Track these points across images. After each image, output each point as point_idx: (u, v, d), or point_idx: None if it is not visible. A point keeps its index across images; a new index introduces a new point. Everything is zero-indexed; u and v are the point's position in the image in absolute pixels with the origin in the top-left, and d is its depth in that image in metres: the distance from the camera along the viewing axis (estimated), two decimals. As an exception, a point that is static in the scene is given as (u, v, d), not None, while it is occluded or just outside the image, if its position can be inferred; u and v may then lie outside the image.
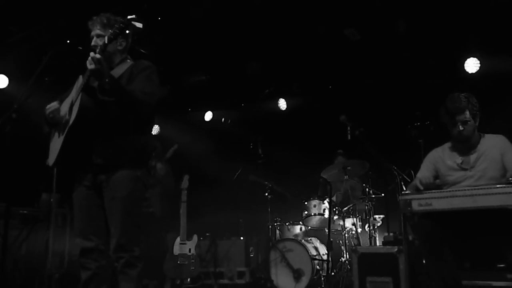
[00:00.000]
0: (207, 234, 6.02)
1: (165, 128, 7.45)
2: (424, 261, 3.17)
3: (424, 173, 3.36)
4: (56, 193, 5.68)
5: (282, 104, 7.39)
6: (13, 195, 4.03)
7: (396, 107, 6.16)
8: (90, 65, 2.62)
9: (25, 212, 5.11)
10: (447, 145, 3.48)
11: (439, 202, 2.89)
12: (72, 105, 2.81)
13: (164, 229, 5.69)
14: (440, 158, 3.42)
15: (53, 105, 2.89)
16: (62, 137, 2.78)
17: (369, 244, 4.88)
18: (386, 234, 4.75)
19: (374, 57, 6.26)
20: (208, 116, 7.80)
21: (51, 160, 2.86)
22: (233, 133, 7.50)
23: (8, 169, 3.26)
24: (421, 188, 3.05)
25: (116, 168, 2.78)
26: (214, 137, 7.54)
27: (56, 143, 2.85)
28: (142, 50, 5.38)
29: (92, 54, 2.61)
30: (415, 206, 2.96)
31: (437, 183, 3.29)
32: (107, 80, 2.63)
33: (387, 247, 3.99)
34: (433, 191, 3.03)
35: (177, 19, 5.46)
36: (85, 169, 2.83)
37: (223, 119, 7.78)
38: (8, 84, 6.16)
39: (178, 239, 5.44)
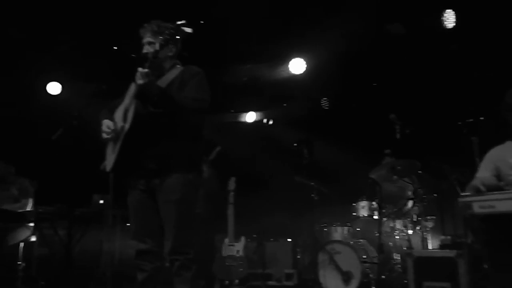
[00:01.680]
0: (255, 235, 6.06)
1: (207, 130, 7.55)
2: (485, 266, 3.07)
3: (484, 173, 3.24)
4: (107, 194, 5.90)
5: (325, 102, 7.34)
6: (69, 197, 4.24)
7: (447, 103, 6.00)
8: (139, 80, 2.73)
9: (78, 213, 5.32)
10: (510, 143, 3.34)
11: (503, 204, 2.76)
12: (126, 112, 2.91)
13: (211, 230, 5.78)
14: (502, 156, 3.28)
15: (109, 124, 2.99)
16: (118, 144, 2.89)
17: (421, 247, 4.78)
18: (439, 236, 4.64)
19: (420, 51, 6.12)
20: (251, 117, 7.85)
21: (108, 165, 2.98)
22: (277, 133, 7.51)
23: (66, 172, 3.44)
24: (483, 189, 2.93)
25: (168, 172, 2.87)
26: (258, 138, 7.57)
27: (113, 150, 2.96)
28: (184, 53, 5.51)
29: (140, 69, 2.72)
30: (476, 208, 2.84)
31: (502, 185, 3.17)
32: (155, 98, 2.74)
33: (445, 250, 3.88)
34: (496, 192, 2.90)
35: (215, 22, 5.55)
36: (139, 173, 2.93)
37: (265, 120, 7.80)
38: (61, 91, 6.45)
39: (226, 241, 5.52)
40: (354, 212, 5.36)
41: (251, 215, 6.14)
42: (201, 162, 3.13)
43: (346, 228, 5.41)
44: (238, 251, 5.46)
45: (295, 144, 5.85)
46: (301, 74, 6.76)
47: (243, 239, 5.55)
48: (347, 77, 6.80)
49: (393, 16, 5.64)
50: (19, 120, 6.52)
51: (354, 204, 5.38)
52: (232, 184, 5.67)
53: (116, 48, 5.33)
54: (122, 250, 5.78)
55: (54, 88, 6.64)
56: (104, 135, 2.99)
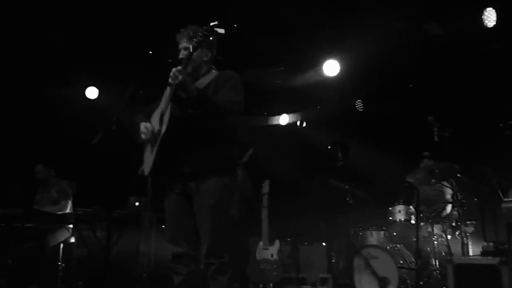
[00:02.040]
0: (289, 239, 6.05)
1: (240, 133, 7.59)
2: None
3: None
4: (143, 196, 6.02)
5: (360, 104, 7.26)
6: (107, 199, 4.35)
7: (487, 104, 5.82)
8: (174, 80, 2.75)
9: (116, 215, 5.44)
10: None
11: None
12: (162, 115, 2.96)
13: (245, 234, 5.80)
14: None
15: (147, 125, 3.04)
16: (155, 148, 2.94)
17: (461, 253, 4.64)
18: (480, 242, 4.49)
19: (459, 51, 5.96)
20: (284, 119, 7.84)
21: (146, 169, 3.03)
22: (311, 136, 7.47)
23: (104, 175, 3.52)
24: None
25: (204, 176, 2.89)
26: (291, 140, 7.56)
27: (150, 154, 3.02)
28: (217, 57, 5.57)
29: (173, 69, 2.74)
30: (521, 214, 2.75)
31: None
32: (194, 93, 2.75)
33: (487, 257, 3.75)
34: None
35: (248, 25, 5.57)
36: (176, 177, 2.97)
37: (299, 122, 7.78)
38: (98, 95, 6.63)
39: (260, 244, 5.53)
40: (391, 216, 5.26)
41: (285, 218, 6.12)
42: (236, 165, 3.15)
43: (382, 232, 5.33)
44: (272, 255, 5.45)
45: (329, 147, 5.80)
46: (335, 76, 6.71)
47: (277, 242, 5.54)
48: (383, 79, 6.71)
49: (431, 15, 5.52)
50: (59, 123, 6.75)
51: (390, 208, 5.29)
52: (265, 187, 5.68)
53: (151, 53, 5.44)
54: (158, 252, 5.86)
55: (92, 92, 6.84)
56: (142, 136, 3.03)
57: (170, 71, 2.82)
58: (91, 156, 5.03)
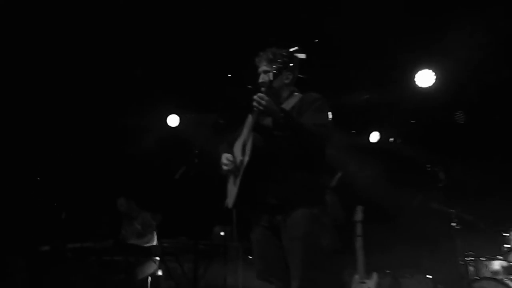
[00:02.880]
0: (388, 271, 5.80)
1: (328, 157, 7.49)
2: None
3: None
4: (228, 226, 6.11)
5: (460, 116, 6.87)
6: (192, 230, 4.46)
7: None
8: (258, 106, 2.76)
9: (202, 246, 5.55)
10: None
11: None
12: (244, 145, 2.98)
13: (338, 266, 5.64)
14: None
15: (228, 156, 3.08)
16: (238, 179, 2.95)
17: None
18: None
19: None
20: (375, 137, 7.61)
21: (230, 202, 3.05)
22: (406, 154, 7.18)
23: (189, 206, 3.62)
24: None
25: (292, 207, 2.85)
26: (384, 160, 7.31)
27: (233, 185, 3.03)
28: (299, 75, 5.58)
29: (256, 95, 2.76)
30: None
31: None
32: (281, 114, 2.75)
33: None
34: None
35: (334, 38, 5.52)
36: (262, 209, 2.95)
37: (392, 139, 7.51)
38: (179, 123, 6.91)
39: (356, 277, 5.36)
40: (507, 244, 4.89)
41: (382, 247, 5.92)
42: (326, 194, 3.06)
43: (497, 262, 4.94)
44: (370, 289, 5.25)
45: (428, 166, 5.54)
46: (429, 87, 6.42)
47: (375, 275, 5.34)
48: (486, 87, 6.31)
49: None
50: (142, 153, 7.11)
51: (506, 234, 4.94)
52: (358, 213, 5.52)
53: (230, 76, 5.59)
54: (246, 283, 5.89)
55: (173, 120, 7.14)
56: (224, 168, 3.07)
57: (251, 98, 2.84)
58: (175, 187, 5.21)
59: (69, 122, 6.79)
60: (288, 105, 3.03)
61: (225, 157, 3.08)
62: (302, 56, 2.85)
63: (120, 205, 6.18)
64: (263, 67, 3.06)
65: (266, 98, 2.75)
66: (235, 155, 3.10)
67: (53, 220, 5.88)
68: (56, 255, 5.29)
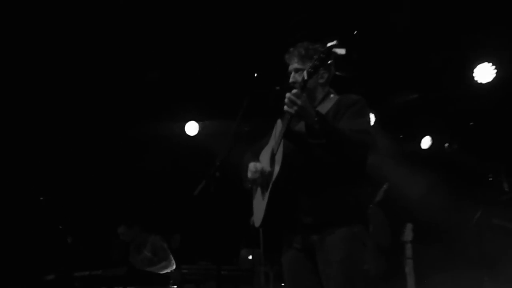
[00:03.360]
0: (443, 298, 5.79)
1: (371, 168, 7.49)
2: None
3: None
4: (257, 249, 6.14)
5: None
6: (215, 253, 4.52)
7: None
8: (289, 108, 2.72)
9: (226, 271, 5.61)
10: None
11: None
12: (273, 155, 3.00)
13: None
14: None
15: (257, 166, 3.10)
16: (266, 194, 2.98)
17: None
18: None
19: None
20: (426, 142, 7.58)
21: (256, 220, 3.10)
22: (463, 162, 7.12)
23: (212, 227, 3.67)
24: None
25: (329, 226, 2.87)
26: (437, 169, 7.26)
27: (261, 201, 3.07)
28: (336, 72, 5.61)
29: (288, 94, 2.72)
30: None
31: None
32: (316, 118, 2.71)
33: None
34: None
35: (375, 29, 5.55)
36: (294, 229, 2.99)
37: (447, 144, 7.46)
38: (198, 131, 7.02)
39: (405, 306, 5.34)
40: None
41: (435, 271, 5.88)
42: (367, 211, 3.08)
43: None
44: (424, 320, 5.24)
45: (489, 176, 5.51)
46: (489, 83, 6.37)
47: (428, 303, 5.32)
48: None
49: None
50: (155, 167, 7.24)
51: None
52: (408, 232, 5.51)
53: (256, 75, 5.66)
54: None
55: (191, 128, 7.27)
56: (250, 177, 3.10)
57: (279, 101, 2.86)
58: (194, 205, 5.29)
59: (76, 133, 6.95)
60: (323, 108, 3.02)
61: (253, 166, 3.10)
62: (341, 51, 2.74)
63: (122, 234, 6.24)
64: (294, 65, 3.07)
65: (302, 97, 2.71)
66: (262, 165, 3.12)
67: (58, 245, 5.98)
68: (62, 285, 5.38)
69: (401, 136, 7.86)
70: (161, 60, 6.19)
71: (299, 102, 2.69)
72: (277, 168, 2.89)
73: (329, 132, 2.75)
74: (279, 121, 3.07)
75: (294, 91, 2.73)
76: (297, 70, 3.04)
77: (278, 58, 3.24)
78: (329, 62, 2.85)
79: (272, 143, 3.09)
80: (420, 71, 6.57)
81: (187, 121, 7.37)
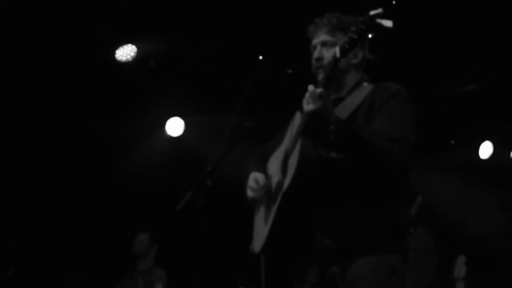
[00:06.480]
0: None
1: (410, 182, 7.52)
2: None
3: None
4: (257, 286, 6.18)
5: None
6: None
7: None
8: (308, 105, 2.63)
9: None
10: None
11: None
12: (286, 159, 2.98)
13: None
14: None
15: (258, 177, 3.13)
16: (273, 209, 2.98)
17: None
18: None
19: None
20: (487, 150, 7.60)
21: (257, 244, 3.12)
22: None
23: (201, 253, 3.66)
24: None
25: (355, 253, 2.87)
26: (501, 185, 7.30)
27: (265, 220, 3.09)
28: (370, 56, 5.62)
29: (311, 88, 2.62)
30: None
31: None
32: (332, 127, 2.63)
33: None
34: None
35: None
36: (308, 256, 3.02)
37: (512, 154, 7.52)
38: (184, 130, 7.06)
39: None
40: None
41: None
42: (406, 237, 3.05)
43: None
44: None
45: None
46: None
47: None
48: None
49: None
50: (129, 175, 7.27)
51: None
52: (460, 267, 5.50)
53: (261, 58, 5.68)
54: None
55: (175, 126, 7.29)
56: (250, 195, 3.13)
57: (293, 88, 2.87)
58: (177, 222, 5.31)
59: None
60: (354, 100, 2.99)
61: (253, 179, 3.12)
62: (387, 23, 2.61)
63: (140, 241, 6.37)
64: (321, 37, 3.00)
65: (324, 96, 2.60)
66: (269, 174, 3.15)
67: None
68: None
69: (452, 142, 7.90)
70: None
71: (318, 104, 2.59)
72: (288, 179, 2.87)
73: (350, 145, 2.69)
74: (297, 114, 3.04)
75: (319, 89, 2.62)
76: (324, 44, 2.99)
77: (289, 36, 3.22)
78: (369, 36, 2.82)
79: (286, 143, 3.07)
80: (479, 55, 6.60)
81: (168, 118, 7.42)
